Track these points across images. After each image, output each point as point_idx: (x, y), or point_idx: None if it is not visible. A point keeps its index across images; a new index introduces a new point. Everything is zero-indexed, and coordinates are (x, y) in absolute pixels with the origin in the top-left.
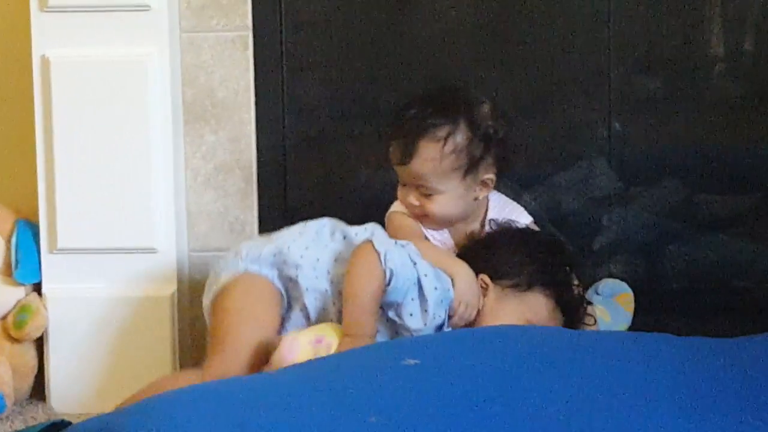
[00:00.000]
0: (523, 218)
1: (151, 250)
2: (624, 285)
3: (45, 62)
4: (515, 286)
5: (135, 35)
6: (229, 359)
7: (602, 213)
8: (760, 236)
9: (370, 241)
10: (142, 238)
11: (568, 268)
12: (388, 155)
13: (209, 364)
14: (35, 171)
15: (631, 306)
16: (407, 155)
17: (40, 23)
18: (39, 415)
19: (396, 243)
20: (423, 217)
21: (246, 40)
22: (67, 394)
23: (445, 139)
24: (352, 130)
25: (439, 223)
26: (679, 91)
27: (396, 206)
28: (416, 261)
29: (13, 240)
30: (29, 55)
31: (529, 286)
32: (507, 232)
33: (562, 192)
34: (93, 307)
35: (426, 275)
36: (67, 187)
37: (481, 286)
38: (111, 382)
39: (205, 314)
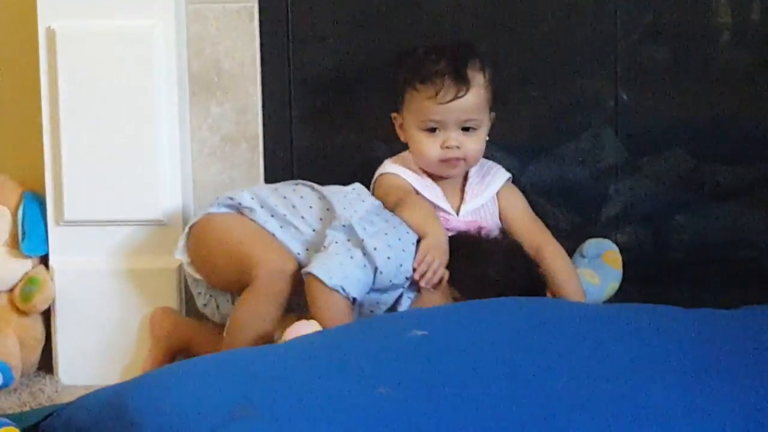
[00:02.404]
0: (500, 175)
1: (158, 222)
2: (608, 242)
3: (50, 34)
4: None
5: (141, 6)
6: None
7: (609, 183)
8: (765, 206)
9: (316, 279)
10: (149, 210)
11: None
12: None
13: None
14: (41, 143)
15: (619, 262)
16: (464, 85)
17: None
18: (47, 388)
19: (338, 247)
20: (455, 162)
21: (252, 11)
22: (74, 366)
23: (483, 67)
24: (358, 102)
25: (471, 165)
26: (686, 61)
27: (388, 167)
28: (363, 239)
29: (20, 212)
30: (35, 26)
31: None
32: (466, 241)
33: (568, 163)
34: (100, 279)
35: (375, 248)
36: (74, 160)
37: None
38: (118, 354)
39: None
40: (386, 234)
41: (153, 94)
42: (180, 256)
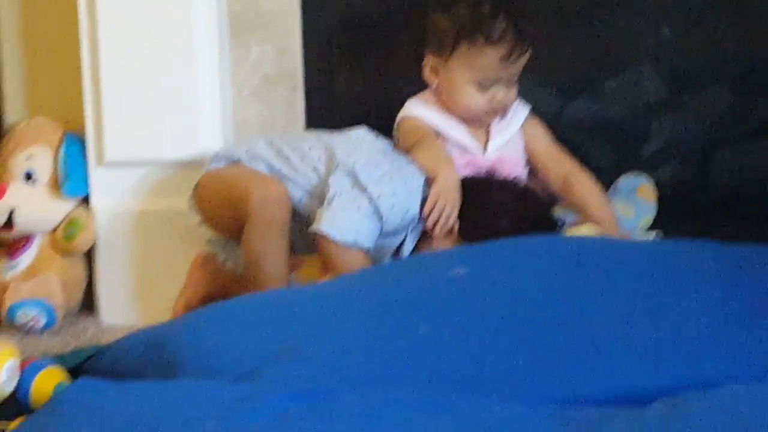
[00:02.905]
0: (521, 109)
1: (199, 163)
2: (642, 177)
3: None
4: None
5: None
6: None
7: (651, 120)
8: None
9: (327, 238)
10: (190, 151)
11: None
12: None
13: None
14: (81, 83)
15: (653, 196)
16: (527, 44)
17: None
18: (89, 328)
19: (343, 200)
20: (497, 113)
21: None
22: (116, 307)
23: (527, 19)
24: (399, 43)
25: (507, 112)
26: None
27: (410, 109)
28: (367, 186)
29: (61, 153)
30: None
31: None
32: (476, 188)
33: (609, 100)
34: (141, 220)
35: (380, 196)
36: (114, 100)
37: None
38: (160, 294)
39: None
40: (391, 178)
41: (193, 34)
42: (191, 216)
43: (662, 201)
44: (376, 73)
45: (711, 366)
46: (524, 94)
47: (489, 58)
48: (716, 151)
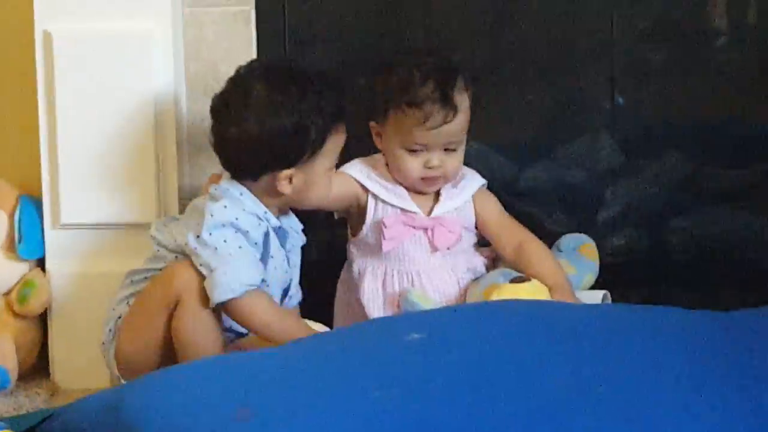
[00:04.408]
0: (475, 180)
1: None
2: (584, 236)
3: (47, 37)
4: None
5: (138, 10)
6: None
7: (606, 186)
8: (763, 208)
9: (228, 303)
10: (146, 214)
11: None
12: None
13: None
14: (38, 146)
15: (596, 255)
16: (452, 111)
17: None
18: (43, 391)
19: (204, 257)
20: (435, 181)
21: (248, 14)
22: (70, 369)
23: (467, 87)
24: (354, 105)
25: (449, 180)
26: (682, 63)
27: (350, 167)
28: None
29: (17, 215)
30: (32, 29)
31: (323, 141)
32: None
33: (565, 165)
34: (96, 283)
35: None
36: (70, 163)
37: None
38: None
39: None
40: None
41: (149, 98)
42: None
43: (617, 267)
44: None
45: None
46: (480, 158)
47: (412, 122)
48: (671, 217)
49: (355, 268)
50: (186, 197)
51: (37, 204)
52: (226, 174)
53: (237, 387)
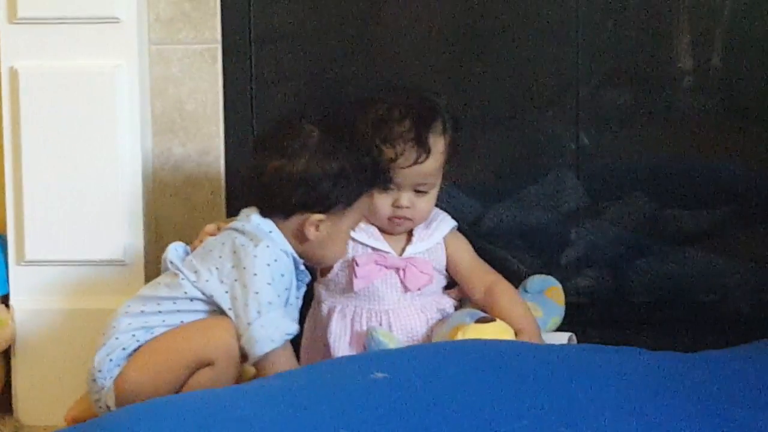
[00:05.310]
0: (447, 222)
1: (120, 263)
2: (551, 279)
3: (13, 74)
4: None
5: (104, 47)
6: None
7: (570, 227)
8: (726, 251)
9: (267, 355)
10: (111, 251)
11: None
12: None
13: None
14: (2, 183)
15: (562, 298)
16: (424, 152)
17: (8, 35)
18: (5, 428)
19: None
20: (402, 222)
21: (215, 52)
22: (34, 407)
23: (445, 130)
24: None
25: (418, 224)
26: (647, 105)
27: None
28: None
29: None
30: None
31: (358, 196)
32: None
33: (529, 206)
34: (61, 320)
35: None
36: (35, 199)
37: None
38: (79, 394)
39: None
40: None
41: (115, 134)
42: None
43: (581, 308)
44: None
45: None
46: (445, 198)
47: (384, 158)
48: (635, 259)
49: (324, 307)
50: (151, 234)
51: (1, 240)
52: (248, 210)
53: (198, 427)
